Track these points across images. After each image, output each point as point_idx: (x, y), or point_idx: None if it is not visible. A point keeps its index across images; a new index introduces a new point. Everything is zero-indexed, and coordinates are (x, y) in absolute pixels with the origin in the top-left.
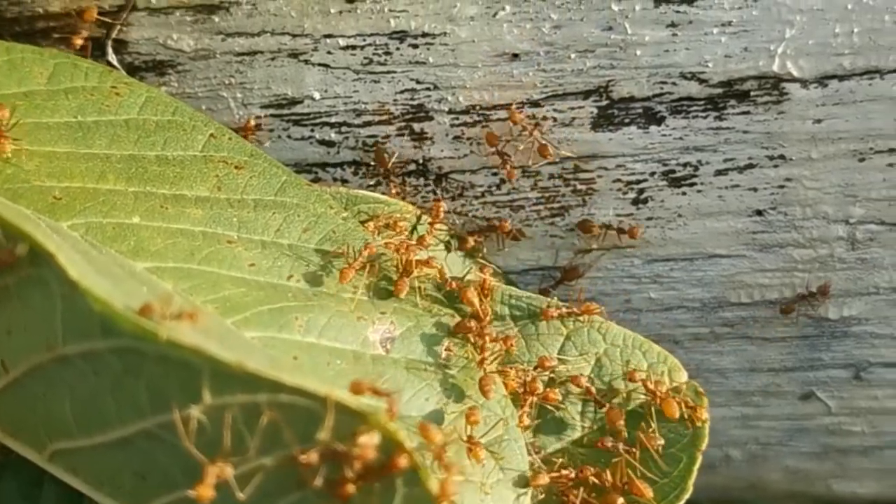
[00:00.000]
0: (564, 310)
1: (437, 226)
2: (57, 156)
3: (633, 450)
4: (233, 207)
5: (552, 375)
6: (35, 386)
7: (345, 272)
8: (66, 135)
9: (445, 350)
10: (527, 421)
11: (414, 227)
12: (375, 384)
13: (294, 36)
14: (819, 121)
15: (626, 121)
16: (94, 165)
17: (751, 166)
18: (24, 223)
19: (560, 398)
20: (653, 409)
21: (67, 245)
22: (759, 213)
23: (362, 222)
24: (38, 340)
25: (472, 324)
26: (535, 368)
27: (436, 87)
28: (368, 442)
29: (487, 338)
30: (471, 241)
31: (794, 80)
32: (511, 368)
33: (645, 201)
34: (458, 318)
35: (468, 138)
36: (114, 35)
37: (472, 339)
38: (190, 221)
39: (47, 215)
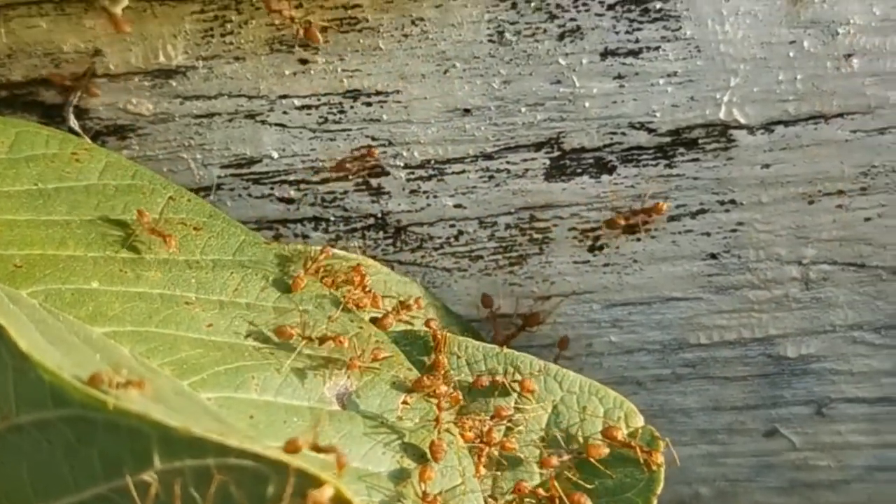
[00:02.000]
0: (498, 379)
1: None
2: (18, 224)
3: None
4: (191, 269)
5: (508, 424)
6: None
7: (297, 281)
8: (27, 202)
9: (402, 404)
10: (483, 471)
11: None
12: (315, 440)
13: (250, 97)
14: (767, 166)
15: (579, 171)
16: (55, 232)
17: (703, 211)
18: None
19: (517, 447)
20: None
21: (21, 315)
22: (714, 256)
23: (321, 278)
24: None
25: (428, 380)
26: (492, 418)
27: (391, 143)
28: (320, 497)
29: (442, 397)
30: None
31: (740, 126)
32: (468, 419)
33: (601, 248)
34: (414, 371)
35: (424, 191)
36: (74, 101)
37: (429, 394)
38: (148, 284)
39: (7, 283)
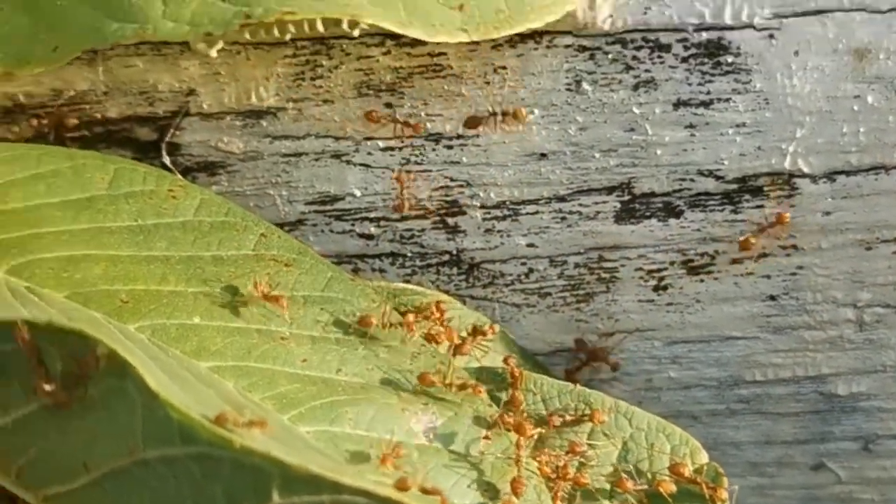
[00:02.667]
0: (568, 418)
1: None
2: (121, 259)
3: None
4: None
5: (582, 460)
6: (115, 488)
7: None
8: (128, 238)
9: (484, 439)
10: None
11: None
12: (424, 482)
13: (337, 138)
14: (828, 213)
15: (647, 214)
16: (156, 268)
17: (764, 255)
18: (106, 338)
19: (589, 482)
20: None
21: (140, 353)
22: (773, 297)
23: (402, 314)
24: (119, 445)
25: (508, 417)
26: (567, 453)
27: (469, 185)
28: None
29: (522, 434)
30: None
31: (804, 176)
32: (544, 454)
33: (665, 288)
34: (493, 407)
35: (498, 231)
36: (168, 138)
37: (509, 430)
38: (246, 320)
39: (115, 318)
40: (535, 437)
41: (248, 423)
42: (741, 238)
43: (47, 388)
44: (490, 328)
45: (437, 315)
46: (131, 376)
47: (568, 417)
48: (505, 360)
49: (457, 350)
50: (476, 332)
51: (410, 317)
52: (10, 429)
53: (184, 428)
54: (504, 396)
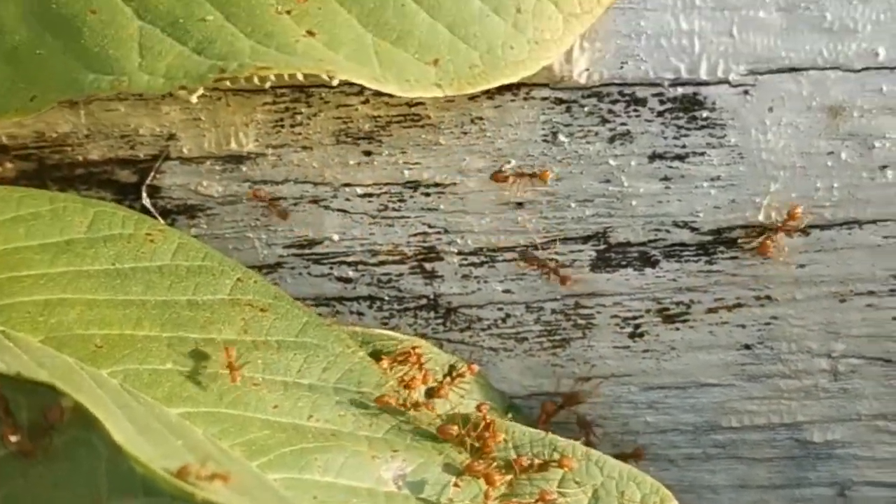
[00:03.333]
0: (536, 461)
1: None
2: (97, 303)
3: None
4: (258, 349)
5: None
6: None
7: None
8: (105, 282)
9: (454, 486)
10: None
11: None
12: None
13: (315, 184)
14: (802, 266)
15: (623, 263)
16: (132, 312)
17: (739, 305)
18: (75, 388)
19: None
20: None
21: (110, 403)
22: (748, 346)
23: (376, 358)
24: (83, 495)
25: (478, 465)
26: (537, 501)
27: (446, 231)
28: None
29: (491, 484)
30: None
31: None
32: (514, 502)
33: (641, 335)
34: (464, 454)
35: (475, 276)
36: (148, 181)
37: (478, 477)
38: (218, 365)
39: (89, 363)
40: (505, 484)
41: (210, 476)
42: (759, 242)
43: (13, 437)
44: (469, 368)
45: (415, 360)
46: (96, 429)
47: (536, 461)
48: (478, 407)
49: (434, 392)
50: (454, 373)
51: (385, 363)
52: None
53: (147, 481)
54: (475, 443)
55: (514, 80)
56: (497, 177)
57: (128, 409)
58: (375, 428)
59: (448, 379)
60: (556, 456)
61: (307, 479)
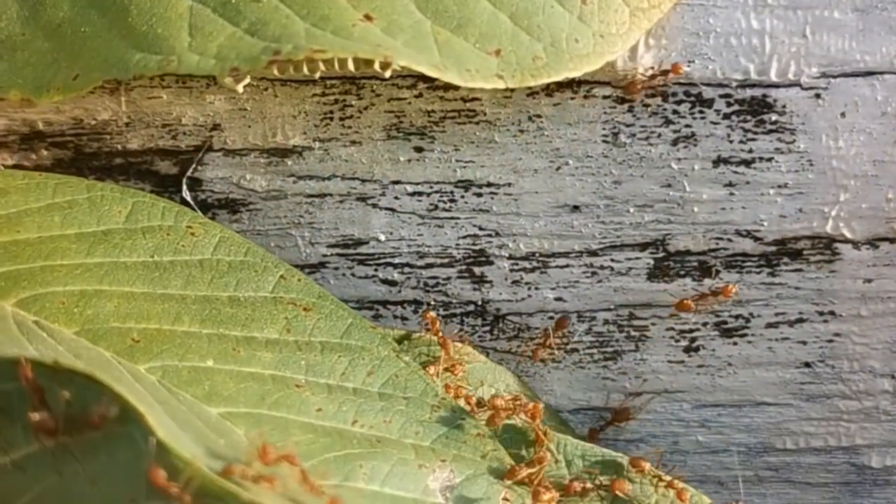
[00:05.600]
0: (589, 485)
1: None
2: (135, 296)
3: None
4: (301, 350)
5: None
6: None
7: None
8: (144, 275)
9: (503, 500)
10: None
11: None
12: None
13: (363, 181)
14: (870, 280)
15: (682, 273)
16: (171, 307)
17: (801, 321)
18: (114, 381)
19: None
20: None
21: (150, 398)
22: (808, 364)
23: (423, 365)
24: (120, 493)
25: (521, 470)
26: None
27: (497, 234)
28: None
29: (536, 501)
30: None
31: (846, 241)
32: None
33: (696, 349)
34: (512, 464)
35: (526, 283)
36: (189, 173)
37: (530, 488)
38: (260, 365)
39: (126, 358)
40: (555, 500)
41: (256, 477)
42: (677, 301)
43: (49, 429)
44: (534, 406)
45: (459, 369)
46: (138, 423)
47: (588, 485)
48: (532, 409)
49: (489, 421)
50: (517, 404)
51: (431, 369)
52: (10, 469)
53: (187, 480)
54: (526, 455)
55: (577, 74)
56: (682, 305)
57: (167, 405)
58: (422, 436)
59: (508, 411)
60: (606, 479)
61: (352, 486)
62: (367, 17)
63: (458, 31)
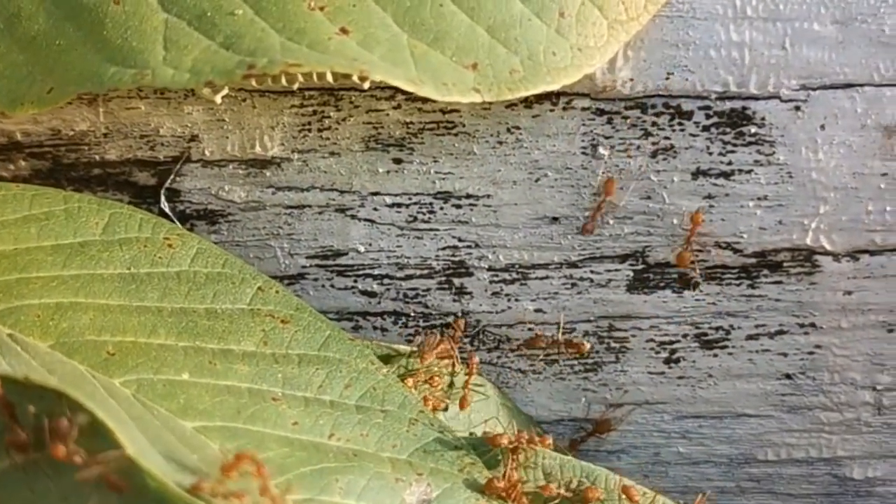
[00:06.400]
0: (564, 492)
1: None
2: (110, 308)
3: None
4: (278, 363)
5: None
6: None
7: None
8: (120, 287)
9: None
10: None
11: (451, 382)
12: None
13: (342, 192)
14: (850, 292)
15: (661, 285)
16: (147, 319)
17: (781, 332)
18: (86, 396)
19: None
20: None
21: (122, 413)
22: (789, 376)
23: (401, 377)
24: None
25: (499, 483)
26: None
27: (477, 245)
28: None
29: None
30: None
31: (826, 253)
32: None
33: (677, 361)
34: (489, 477)
35: (506, 294)
36: (168, 184)
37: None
38: (237, 378)
39: (101, 371)
40: None
41: (226, 494)
42: (677, 252)
43: (19, 445)
44: (542, 439)
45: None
46: (108, 440)
47: (564, 492)
48: (517, 437)
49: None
50: (525, 438)
51: (410, 381)
52: None
53: (159, 496)
54: (502, 468)
55: (555, 87)
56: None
57: (140, 420)
58: (400, 449)
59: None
60: (583, 484)
61: (326, 500)
62: (343, 31)
63: (434, 45)
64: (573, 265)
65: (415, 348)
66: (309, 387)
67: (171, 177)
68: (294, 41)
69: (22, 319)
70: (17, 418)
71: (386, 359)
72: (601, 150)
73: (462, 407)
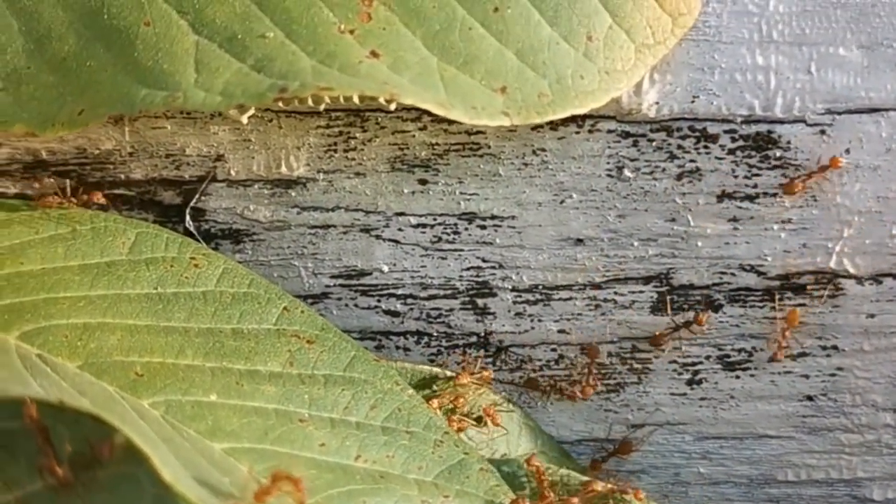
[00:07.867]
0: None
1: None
2: (138, 329)
3: None
4: (304, 384)
5: None
6: None
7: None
8: (147, 307)
9: None
10: None
11: (475, 403)
12: None
13: (367, 212)
14: (872, 315)
15: (685, 307)
16: (174, 340)
17: (804, 355)
18: (119, 420)
19: None
20: None
21: (154, 437)
22: (810, 398)
23: (427, 399)
24: None
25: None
26: None
27: (501, 266)
28: None
29: None
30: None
31: (849, 276)
32: None
33: (699, 382)
34: (514, 498)
35: (529, 315)
36: (193, 203)
37: None
38: (264, 399)
39: (129, 392)
40: None
41: None
42: (786, 181)
43: (54, 468)
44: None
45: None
46: (143, 463)
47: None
48: (527, 461)
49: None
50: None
51: (435, 402)
52: None
53: None
54: (528, 492)
55: (582, 111)
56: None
57: (171, 442)
58: (426, 471)
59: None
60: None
61: None
62: (374, 54)
63: (464, 68)
64: (597, 286)
65: (453, 373)
66: (335, 408)
67: (197, 196)
68: (325, 64)
69: (50, 340)
70: (51, 441)
71: (428, 382)
72: (627, 172)
73: (489, 426)
